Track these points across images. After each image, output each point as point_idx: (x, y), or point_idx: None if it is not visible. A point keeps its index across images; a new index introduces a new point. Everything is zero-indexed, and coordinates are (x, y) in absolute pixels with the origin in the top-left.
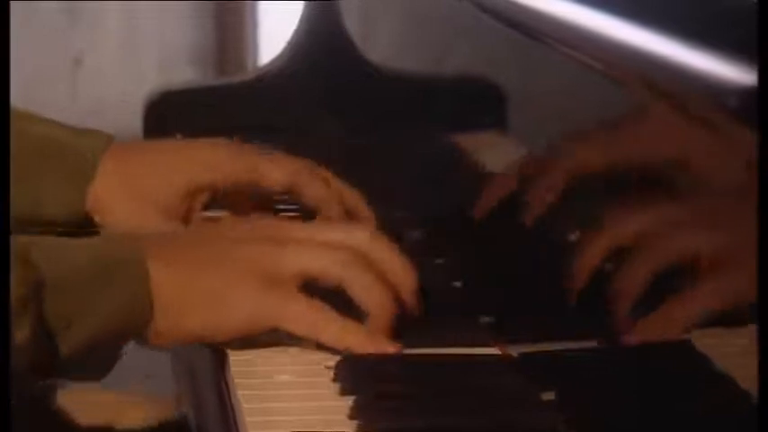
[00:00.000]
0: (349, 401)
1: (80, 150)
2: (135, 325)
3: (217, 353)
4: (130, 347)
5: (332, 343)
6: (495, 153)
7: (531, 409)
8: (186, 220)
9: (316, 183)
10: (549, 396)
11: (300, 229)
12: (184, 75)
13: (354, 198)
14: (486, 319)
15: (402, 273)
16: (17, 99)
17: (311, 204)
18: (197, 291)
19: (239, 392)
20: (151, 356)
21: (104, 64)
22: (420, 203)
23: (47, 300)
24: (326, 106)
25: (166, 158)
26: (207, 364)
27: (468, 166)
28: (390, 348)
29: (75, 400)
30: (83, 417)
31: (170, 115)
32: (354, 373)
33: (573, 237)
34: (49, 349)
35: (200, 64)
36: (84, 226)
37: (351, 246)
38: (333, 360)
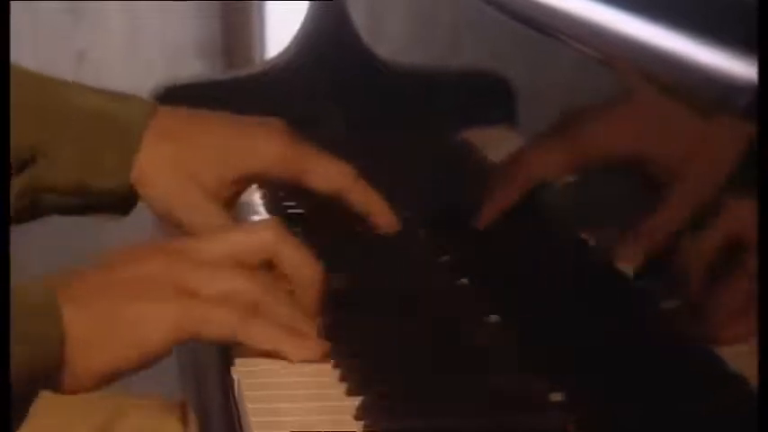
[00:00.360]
0: (355, 402)
1: (123, 119)
2: (46, 369)
3: (222, 353)
4: None
5: (259, 346)
6: (504, 148)
7: (539, 409)
8: (230, 204)
9: (362, 191)
10: (557, 397)
11: (207, 246)
12: (192, 69)
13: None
14: (492, 318)
15: (307, 269)
16: None
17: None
18: (113, 322)
19: (245, 392)
20: None
21: (108, 60)
22: (426, 201)
23: None
24: (333, 101)
25: (217, 140)
26: (212, 363)
27: (476, 162)
28: (323, 356)
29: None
30: (81, 418)
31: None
32: (362, 373)
33: (584, 234)
34: None
35: (208, 58)
36: (129, 198)
37: (257, 249)
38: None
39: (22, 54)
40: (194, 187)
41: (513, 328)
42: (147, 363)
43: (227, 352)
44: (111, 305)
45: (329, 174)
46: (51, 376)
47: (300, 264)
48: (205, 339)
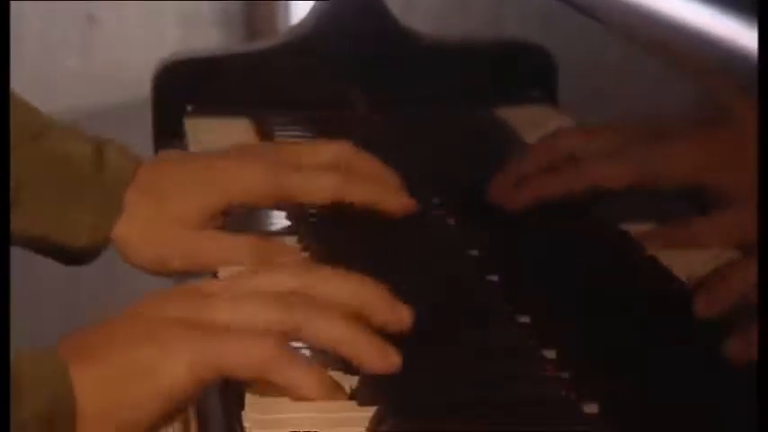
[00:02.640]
0: (368, 413)
1: (104, 178)
2: None
3: None
4: None
5: (285, 385)
6: (544, 130)
7: (572, 422)
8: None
9: (358, 189)
10: (591, 408)
11: (223, 296)
12: (208, 38)
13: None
14: (523, 319)
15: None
16: (26, 63)
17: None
18: (125, 373)
19: (246, 398)
20: None
21: (120, 25)
22: (456, 188)
23: None
24: (358, 75)
25: (196, 176)
26: None
27: (513, 145)
28: (342, 396)
29: None
30: None
31: (179, 87)
32: (376, 381)
33: (625, 227)
34: None
35: (226, 26)
36: (95, 253)
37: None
38: None
39: (31, 17)
40: (181, 230)
41: (544, 331)
42: (174, 409)
43: None
44: (120, 354)
45: (318, 185)
46: None
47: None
48: (230, 376)
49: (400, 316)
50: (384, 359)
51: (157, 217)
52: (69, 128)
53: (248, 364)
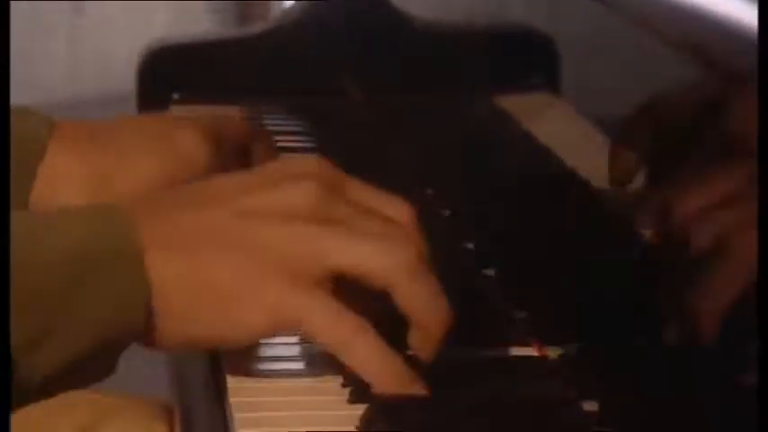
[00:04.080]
0: (357, 410)
1: (22, 133)
2: (127, 332)
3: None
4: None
5: (358, 369)
6: (545, 119)
7: (570, 420)
8: None
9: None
10: (591, 406)
11: (340, 215)
12: (200, 21)
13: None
14: (520, 315)
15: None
16: (12, 52)
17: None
18: (205, 288)
19: (232, 399)
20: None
21: (107, 12)
22: (454, 177)
23: (15, 316)
24: (350, 62)
25: (130, 142)
26: (199, 365)
27: (512, 133)
28: (421, 391)
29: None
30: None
31: (165, 74)
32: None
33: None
34: (23, 373)
35: (218, 12)
36: None
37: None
38: None
39: (18, 6)
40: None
41: (542, 327)
42: (241, 343)
43: (217, 361)
44: (207, 265)
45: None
46: (134, 334)
47: (425, 305)
48: (309, 335)
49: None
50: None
51: (84, 174)
52: None
53: (328, 339)
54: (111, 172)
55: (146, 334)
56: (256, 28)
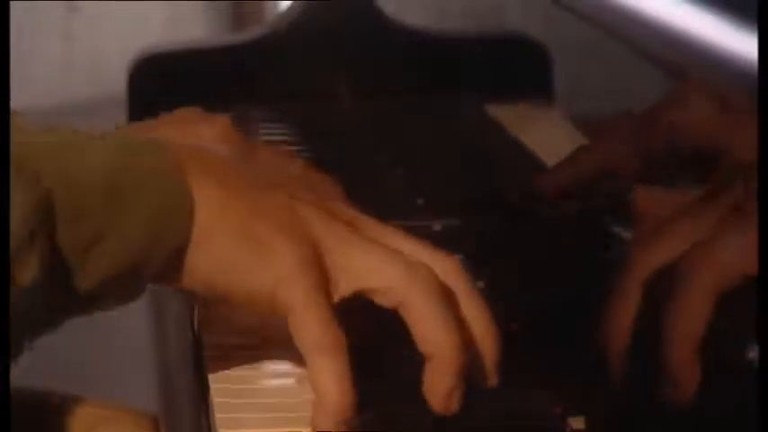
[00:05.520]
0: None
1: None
2: (168, 248)
3: (195, 362)
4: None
5: (311, 385)
6: (538, 128)
7: None
8: None
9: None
10: (579, 424)
11: (381, 232)
12: (196, 25)
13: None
14: (512, 326)
15: (484, 324)
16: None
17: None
18: (239, 225)
19: (217, 415)
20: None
21: (102, 13)
22: (444, 188)
23: (59, 226)
24: (343, 70)
25: None
26: (184, 373)
27: (504, 143)
28: None
29: (39, 409)
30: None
31: (156, 82)
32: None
33: (627, 235)
34: (65, 286)
35: (213, 11)
36: None
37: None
38: None
39: (12, 5)
40: None
41: (531, 340)
42: (236, 296)
43: (200, 363)
44: (249, 210)
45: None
46: (172, 253)
47: (477, 307)
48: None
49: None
50: (446, 400)
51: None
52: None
53: (302, 342)
54: None
55: (177, 263)
56: (248, 35)
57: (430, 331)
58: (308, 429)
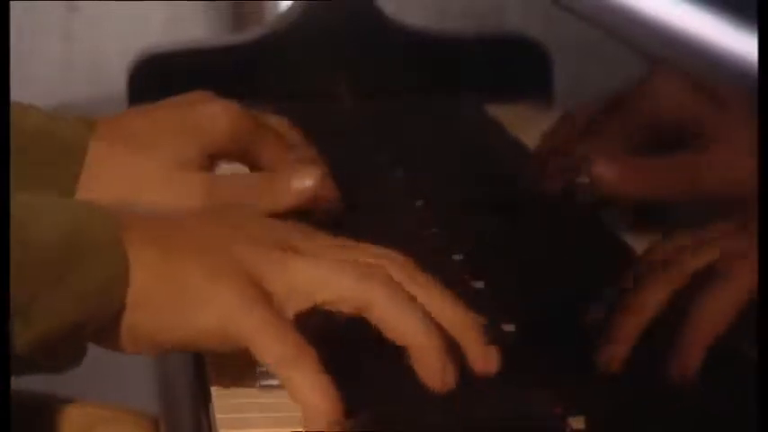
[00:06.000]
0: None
1: (63, 137)
2: (102, 315)
3: (196, 365)
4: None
5: (293, 398)
6: (538, 129)
7: None
8: None
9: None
10: (579, 424)
11: (329, 247)
12: (196, 24)
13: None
14: (509, 328)
15: (454, 310)
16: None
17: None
18: (173, 282)
19: (218, 416)
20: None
21: (102, 13)
22: (443, 187)
23: (12, 277)
24: (342, 70)
25: (163, 126)
26: (184, 376)
27: (503, 143)
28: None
29: (39, 409)
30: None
31: (156, 82)
32: (356, 392)
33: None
34: (8, 337)
35: (214, 9)
36: None
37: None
38: None
39: (12, 5)
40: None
41: (531, 341)
42: (192, 345)
43: (200, 365)
44: (180, 262)
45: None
46: (105, 320)
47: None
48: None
49: (487, 359)
50: (442, 379)
51: (126, 159)
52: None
53: (272, 361)
54: (145, 168)
55: (116, 325)
56: (248, 35)
57: (400, 325)
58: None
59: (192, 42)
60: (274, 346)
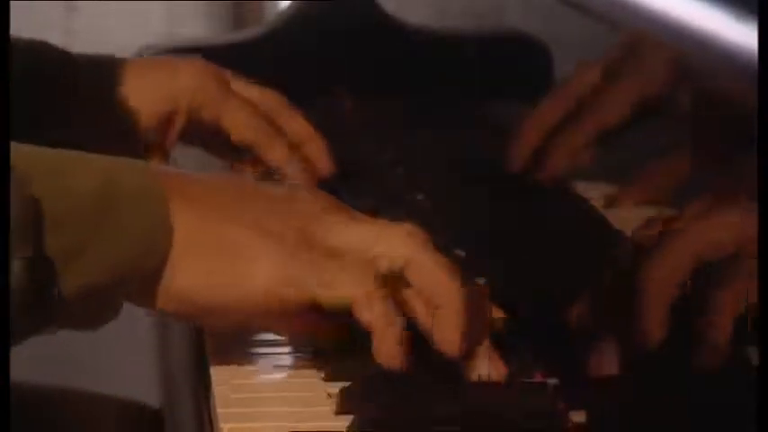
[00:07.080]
0: (344, 422)
1: None
2: (145, 268)
3: (197, 358)
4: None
5: (369, 325)
6: None
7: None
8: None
9: (278, 145)
10: (579, 417)
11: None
12: (195, 21)
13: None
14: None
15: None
16: None
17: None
18: (220, 241)
19: (219, 410)
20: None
21: (101, 12)
22: (443, 186)
23: (46, 233)
24: (343, 69)
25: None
26: (186, 370)
27: (504, 144)
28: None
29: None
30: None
31: None
32: (355, 390)
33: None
34: (45, 292)
35: (213, 7)
36: None
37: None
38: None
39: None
40: None
41: (532, 337)
42: (245, 311)
43: (202, 357)
44: (224, 221)
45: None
46: (148, 274)
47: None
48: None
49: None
50: (461, 348)
51: None
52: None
53: (343, 294)
54: None
55: (154, 282)
56: (248, 35)
57: (441, 282)
58: (308, 423)
59: (192, 42)
60: (345, 283)
